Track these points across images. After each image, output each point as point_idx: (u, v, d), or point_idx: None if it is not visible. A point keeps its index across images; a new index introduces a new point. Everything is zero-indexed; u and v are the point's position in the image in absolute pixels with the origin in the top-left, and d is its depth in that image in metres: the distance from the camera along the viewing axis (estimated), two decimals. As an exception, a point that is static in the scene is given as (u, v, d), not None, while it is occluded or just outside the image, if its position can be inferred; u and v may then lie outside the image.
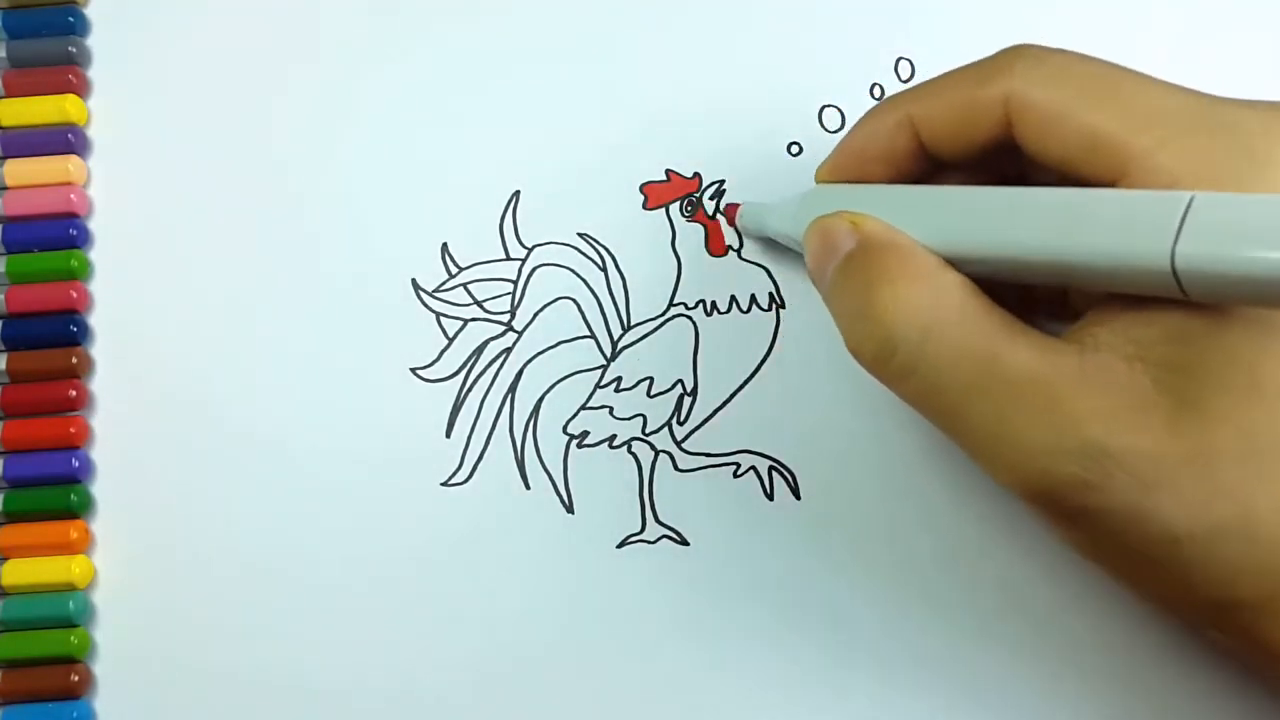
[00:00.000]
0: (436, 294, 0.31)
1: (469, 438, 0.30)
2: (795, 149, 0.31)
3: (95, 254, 0.32)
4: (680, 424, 0.30)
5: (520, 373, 0.31)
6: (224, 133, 0.32)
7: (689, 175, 0.31)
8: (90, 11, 0.33)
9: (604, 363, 0.31)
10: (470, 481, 0.30)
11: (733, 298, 0.31)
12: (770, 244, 0.31)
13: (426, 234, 0.31)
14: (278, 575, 0.30)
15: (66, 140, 0.32)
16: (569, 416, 0.30)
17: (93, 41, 0.33)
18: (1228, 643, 0.23)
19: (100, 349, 0.31)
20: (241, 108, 0.32)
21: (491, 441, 0.30)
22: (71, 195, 0.31)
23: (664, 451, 0.30)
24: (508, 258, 0.31)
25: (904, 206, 0.25)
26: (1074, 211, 0.21)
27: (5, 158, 0.32)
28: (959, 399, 0.23)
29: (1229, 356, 0.21)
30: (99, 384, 0.31)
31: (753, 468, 0.30)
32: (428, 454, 0.30)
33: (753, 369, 0.30)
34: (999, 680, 0.29)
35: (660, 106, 0.32)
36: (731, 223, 0.31)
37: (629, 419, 0.30)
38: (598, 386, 0.31)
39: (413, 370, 0.31)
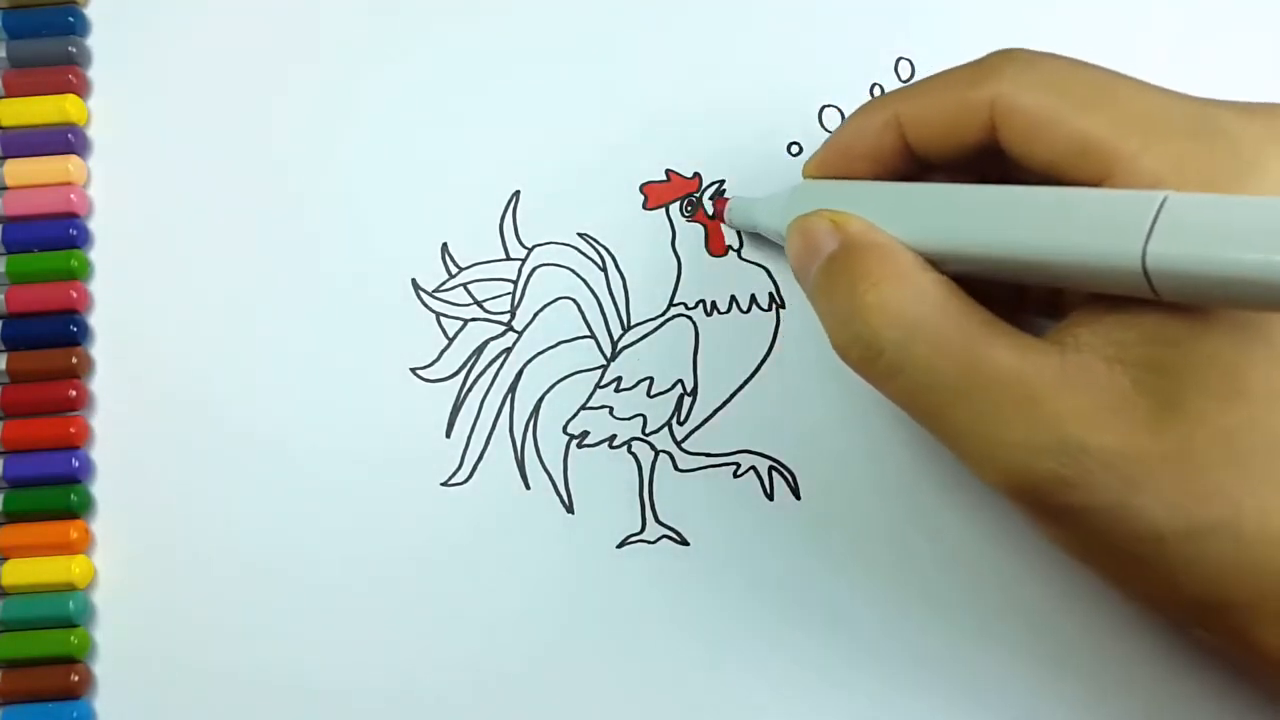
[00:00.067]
0: (436, 294, 0.31)
1: (469, 438, 0.30)
2: (795, 149, 0.31)
3: (95, 254, 0.32)
4: (680, 424, 0.30)
5: (520, 373, 0.31)
6: (224, 133, 0.32)
7: (689, 175, 0.31)
8: (90, 11, 0.33)
9: (604, 363, 0.31)
10: (470, 481, 0.30)
11: (733, 298, 0.31)
12: (770, 243, 0.31)
13: (426, 234, 0.31)
14: (278, 575, 0.30)
15: (66, 140, 0.32)
16: (569, 416, 0.30)
17: (93, 41, 0.33)
18: (1215, 642, 0.24)
19: (100, 349, 0.31)
20: (241, 108, 0.32)
21: (491, 441, 0.30)
22: (71, 195, 0.31)
23: (664, 451, 0.30)
24: (508, 258, 0.31)
25: (887, 204, 0.25)
26: (1052, 210, 0.21)
27: (5, 158, 0.32)
28: (942, 399, 0.23)
29: (1209, 358, 0.21)
30: (99, 384, 0.31)
31: (753, 468, 0.30)
32: (428, 454, 0.30)
33: (753, 369, 0.30)
34: (998, 680, 0.29)
35: (660, 106, 0.32)
36: (723, 219, 0.31)
37: (629, 419, 0.30)
38: (598, 386, 0.31)
39: (413, 370, 0.31)
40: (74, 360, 0.31)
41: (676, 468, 0.30)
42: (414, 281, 0.31)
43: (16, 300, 0.31)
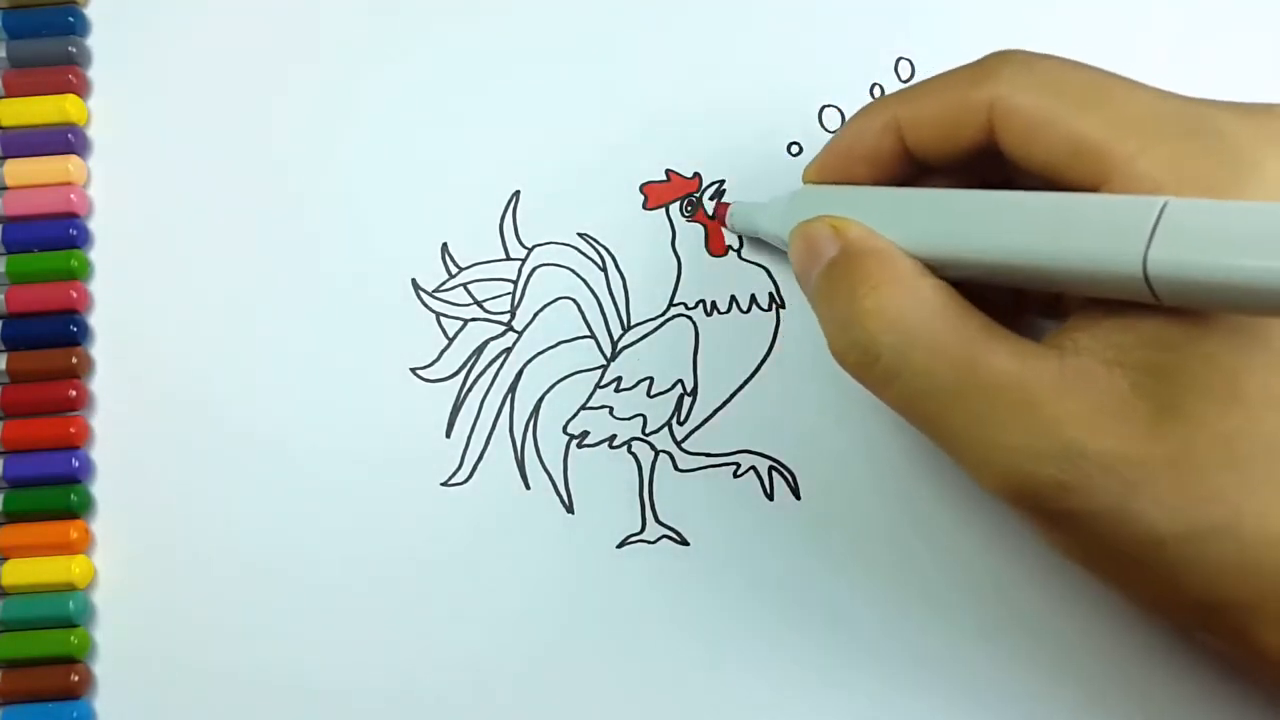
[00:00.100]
0: (436, 294, 0.31)
1: (469, 438, 0.30)
2: (795, 149, 0.31)
3: (95, 254, 0.32)
4: (680, 424, 0.30)
5: (520, 373, 0.31)
6: (224, 132, 0.32)
7: (689, 175, 0.31)
8: (90, 11, 0.33)
9: (604, 363, 0.31)
10: (470, 481, 0.30)
11: (733, 298, 0.31)
12: (770, 244, 0.31)
13: (426, 234, 0.31)
14: (278, 575, 0.30)
15: (66, 140, 0.32)
16: (569, 416, 0.30)
17: (93, 41, 0.33)
18: (1217, 644, 0.24)
19: (100, 349, 0.31)
20: (241, 108, 0.32)
21: (491, 441, 0.30)
22: (71, 195, 0.31)
23: (664, 451, 0.30)
24: (508, 258, 0.31)
25: (888, 209, 0.25)
26: (1051, 216, 0.21)
27: (5, 158, 0.32)
28: (941, 404, 0.23)
29: (1209, 362, 0.21)
30: (99, 384, 0.31)
31: (753, 468, 0.30)
32: (428, 454, 0.30)
33: (753, 369, 0.30)
34: (998, 680, 0.29)
35: (660, 106, 0.32)
36: (723, 223, 0.31)
37: (629, 419, 0.30)
38: (598, 386, 0.31)
39: (413, 370, 0.31)
40: (74, 360, 0.31)
41: (676, 468, 0.30)
42: (414, 281, 0.31)
43: (16, 300, 0.31)
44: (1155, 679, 0.28)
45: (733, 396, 0.30)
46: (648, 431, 0.30)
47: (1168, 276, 0.19)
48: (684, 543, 0.30)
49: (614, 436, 0.30)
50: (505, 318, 0.31)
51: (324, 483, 0.30)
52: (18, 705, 0.29)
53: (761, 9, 0.32)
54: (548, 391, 0.31)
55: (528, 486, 0.30)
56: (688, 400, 0.30)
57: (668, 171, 0.31)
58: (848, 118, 0.27)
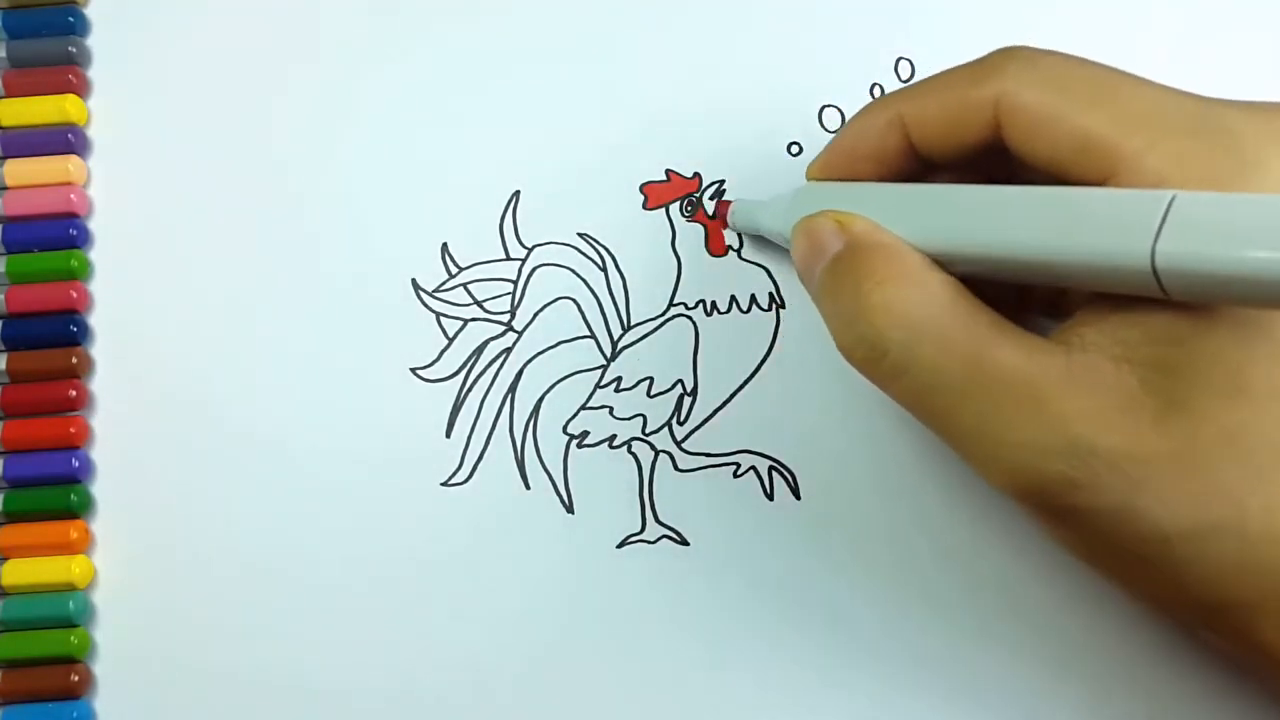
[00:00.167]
0: (436, 294, 0.31)
1: (469, 438, 0.30)
2: (795, 149, 0.31)
3: (95, 254, 0.32)
4: (680, 424, 0.30)
5: (520, 373, 0.31)
6: (224, 132, 0.32)
7: (689, 175, 0.31)
8: (90, 11, 0.33)
9: (604, 363, 0.31)
10: (470, 481, 0.30)
11: (733, 298, 0.31)
12: (770, 243, 0.31)
13: (426, 234, 0.31)
14: (278, 575, 0.30)
15: (66, 140, 0.32)
16: (569, 416, 0.30)
17: (93, 41, 0.33)
18: (1221, 643, 0.24)
19: (100, 349, 0.31)
20: (241, 107, 0.32)
21: (491, 441, 0.30)
22: (71, 195, 0.31)
23: (664, 451, 0.30)
24: (508, 258, 0.31)
25: (892, 205, 0.25)
26: (1058, 210, 0.21)
27: (5, 158, 0.32)
28: (948, 400, 0.23)
29: (1215, 357, 0.21)
30: (99, 384, 0.31)
31: (753, 468, 0.30)
32: (428, 454, 0.30)
33: (753, 369, 0.30)
34: (998, 680, 0.29)
35: (660, 106, 0.32)
36: (725, 222, 0.31)
37: (629, 419, 0.30)
38: (598, 386, 0.31)
39: (413, 370, 0.31)
40: (74, 360, 0.31)
41: (676, 468, 0.30)
42: (414, 281, 0.31)
43: (16, 300, 0.31)
44: (1159, 678, 0.28)
45: (733, 396, 0.30)
46: (648, 431, 0.30)
47: (1176, 270, 0.19)
48: (684, 543, 0.30)
49: (614, 436, 0.30)
50: (505, 318, 0.31)
51: (324, 483, 0.30)
52: (18, 705, 0.29)
53: (761, 9, 0.32)
54: (548, 391, 0.31)
55: (528, 486, 0.30)
56: (688, 400, 0.30)
57: (668, 171, 0.31)
58: (850, 116, 0.27)
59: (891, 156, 0.26)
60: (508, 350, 0.31)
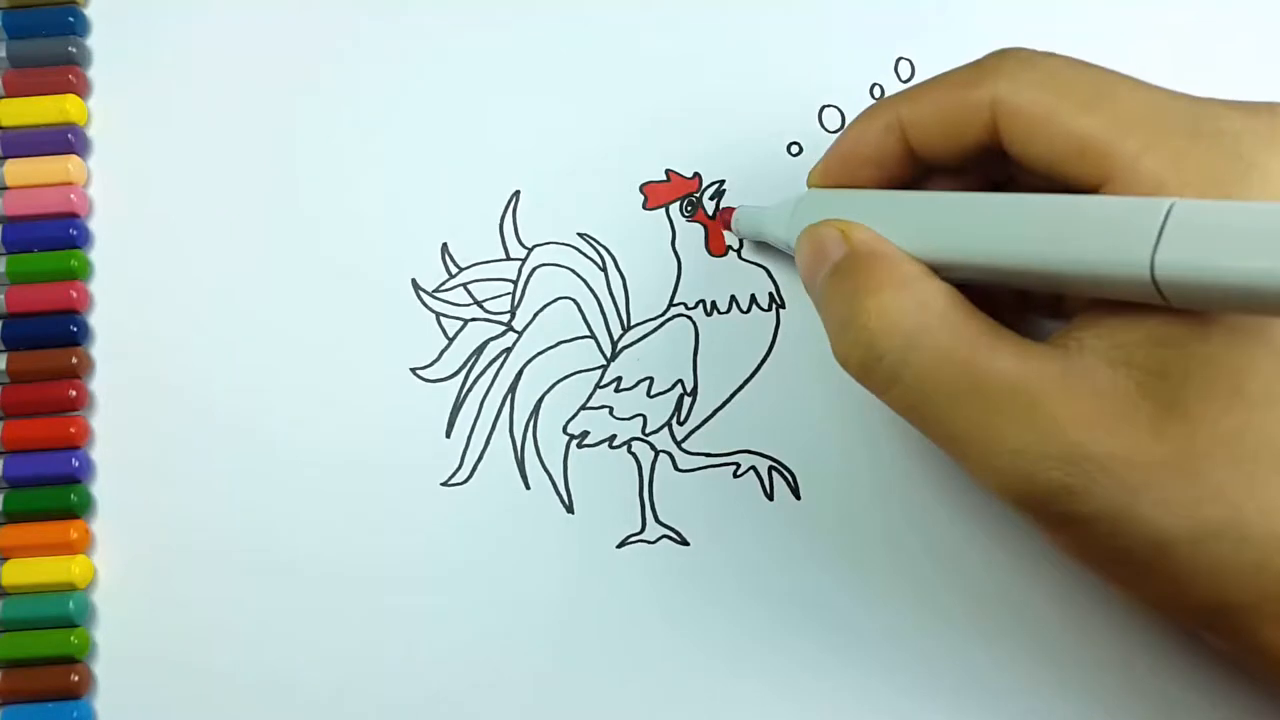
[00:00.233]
0: (436, 294, 0.31)
1: (469, 438, 0.30)
2: (795, 149, 0.31)
3: (95, 254, 0.32)
4: (680, 424, 0.30)
5: (520, 373, 0.31)
6: (224, 133, 0.32)
7: (689, 175, 0.31)
8: (90, 11, 0.33)
9: (604, 363, 0.31)
10: (470, 481, 0.30)
11: (733, 298, 0.31)
12: (769, 245, 0.31)
13: (426, 234, 0.31)
14: (278, 575, 0.30)
15: (66, 140, 0.32)
16: (569, 416, 0.30)
17: (93, 41, 0.33)
18: (1220, 644, 0.23)
19: (100, 349, 0.31)
20: (241, 108, 0.32)
21: (491, 441, 0.30)
22: (71, 195, 0.31)
23: (664, 451, 0.30)
24: (508, 258, 0.31)
25: (893, 213, 0.25)
26: (1057, 218, 0.21)
27: (5, 158, 0.32)
28: (943, 406, 0.23)
29: (1212, 361, 0.21)
30: (99, 384, 0.31)
31: (753, 468, 0.30)
32: (428, 454, 0.30)
33: (753, 369, 0.30)
34: (998, 680, 0.29)
35: (660, 106, 0.32)
36: (727, 227, 0.31)
37: (629, 419, 0.30)
38: (598, 386, 0.31)
39: (413, 370, 0.31)
40: (74, 360, 0.31)
41: (676, 468, 0.30)
42: (414, 281, 0.31)
43: (16, 300, 0.31)
44: (1159, 681, 0.28)
45: (733, 396, 0.30)
46: (648, 431, 0.30)
47: (1175, 278, 0.19)
48: (684, 543, 0.30)
49: (614, 436, 0.30)
50: (505, 318, 0.31)
51: (324, 482, 0.30)
52: (18, 705, 0.29)
53: (762, 9, 0.32)
54: (548, 391, 0.31)
55: (528, 486, 0.30)
56: (688, 400, 0.30)
57: (668, 171, 0.31)
58: (849, 119, 0.27)
59: (890, 160, 0.26)
60: (508, 350, 0.31)
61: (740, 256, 0.31)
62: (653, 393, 0.30)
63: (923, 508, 0.29)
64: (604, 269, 0.31)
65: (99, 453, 0.31)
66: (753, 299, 0.31)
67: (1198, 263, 0.19)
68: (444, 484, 0.30)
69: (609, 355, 0.31)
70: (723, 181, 0.31)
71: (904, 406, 0.24)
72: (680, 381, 0.30)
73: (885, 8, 0.32)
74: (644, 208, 0.31)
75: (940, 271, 0.24)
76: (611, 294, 0.31)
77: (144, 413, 0.31)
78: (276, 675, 0.29)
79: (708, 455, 0.30)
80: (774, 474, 0.30)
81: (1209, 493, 0.21)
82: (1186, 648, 0.28)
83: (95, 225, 0.32)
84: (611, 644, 0.29)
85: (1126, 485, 0.21)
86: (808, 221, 0.26)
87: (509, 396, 0.31)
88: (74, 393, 0.30)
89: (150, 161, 0.32)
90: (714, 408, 0.30)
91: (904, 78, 0.32)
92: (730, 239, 0.31)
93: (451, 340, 0.31)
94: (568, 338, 0.31)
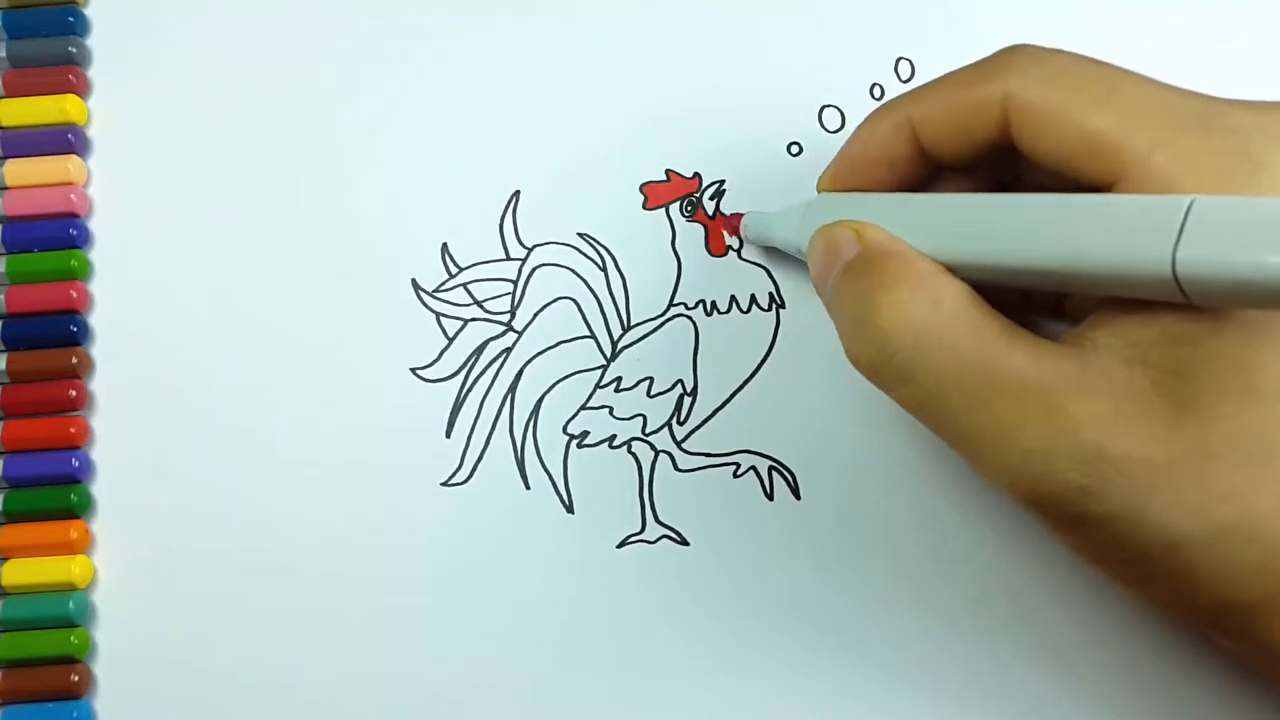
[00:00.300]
0: (436, 294, 0.31)
1: (469, 438, 0.30)
2: (795, 149, 0.31)
3: (95, 254, 0.32)
4: (680, 424, 0.30)
5: (520, 373, 0.31)
6: (224, 132, 0.32)
7: (689, 175, 0.31)
8: (90, 11, 0.33)
9: (604, 363, 0.31)
10: (470, 481, 0.30)
11: (733, 298, 0.31)
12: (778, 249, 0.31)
13: (426, 234, 0.31)
14: (278, 575, 0.30)
15: (66, 140, 0.32)
16: (569, 416, 0.30)
17: (93, 41, 0.33)
18: (1229, 644, 0.23)
19: (100, 349, 0.31)
20: (241, 108, 0.32)
21: (491, 441, 0.30)
22: (71, 195, 0.31)
23: (664, 451, 0.30)
24: (508, 258, 0.31)
25: (905, 215, 0.25)
26: (1074, 218, 0.21)
27: (5, 158, 0.32)
28: (956, 405, 0.22)
29: (1226, 359, 0.21)
30: (99, 384, 0.31)
31: (753, 468, 0.30)
32: (428, 454, 0.30)
33: (753, 369, 0.30)
34: (999, 680, 0.29)
35: (660, 106, 0.32)
36: (735, 233, 0.31)
37: (629, 419, 0.30)
38: (598, 386, 0.31)
39: (413, 370, 0.31)
40: (74, 360, 0.31)
41: (676, 468, 0.30)
42: (414, 281, 0.31)
43: (16, 300, 0.31)
44: (1166, 682, 0.28)
45: (733, 396, 0.30)
46: (648, 431, 0.30)
47: (1197, 275, 0.19)
48: (684, 543, 0.30)
49: (614, 436, 0.30)
50: (505, 318, 0.31)
51: (324, 482, 0.30)
52: (18, 705, 0.29)
53: (762, 9, 0.32)
54: (548, 391, 0.31)
55: (528, 486, 0.30)
56: (688, 400, 0.30)
57: (668, 171, 0.31)
58: (855, 118, 0.27)
59: (901, 160, 0.26)
60: (508, 350, 0.31)
61: (740, 256, 0.31)
62: (653, 393, 0.30)
63: (923, 508, 0.29)
64: (604, 269, 0.31)
65: (99, 453, 0.31)
66: (753, 299, 0.31)
67: (1219, 259, 0.19)
68: (444, 484, 0.30)
69: (609, 355, 0.31)
70: (723, 181, 0.31)
71: (915, 404, 0.23)
72: (680, 381, 0.30)
73: (885, 8, 0.32)
74: (644, 208, 0.31)
75: (955, 272, 0.23)
76: (611, 294, 0.31)
77: (144, 413, 0.31)
78: (276, 675, 0.29)
79: (708, 455, 0.30)
80: (774, 474, 0.30)
81: (1221, 493, 0.21)
82: (1194, 648, 0.28)
83: (95, 225, 0.32)
84: (611, 644, 0.29)
85: (1141, 486, 0.21)
86: (819, 224, 0.26)
87: (509, 396, 0.31)
88: (74, 393, 0.30)
89: (150, 161, 0.32)
90: (714, 408, 0.30)
91: (904, 78, 0.32)
92: (730, 239, 0.31)
93: (451, 340, 0.31)
94: (568, 338, 0.31)
